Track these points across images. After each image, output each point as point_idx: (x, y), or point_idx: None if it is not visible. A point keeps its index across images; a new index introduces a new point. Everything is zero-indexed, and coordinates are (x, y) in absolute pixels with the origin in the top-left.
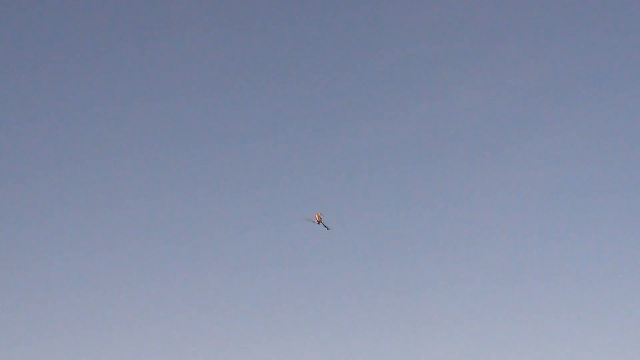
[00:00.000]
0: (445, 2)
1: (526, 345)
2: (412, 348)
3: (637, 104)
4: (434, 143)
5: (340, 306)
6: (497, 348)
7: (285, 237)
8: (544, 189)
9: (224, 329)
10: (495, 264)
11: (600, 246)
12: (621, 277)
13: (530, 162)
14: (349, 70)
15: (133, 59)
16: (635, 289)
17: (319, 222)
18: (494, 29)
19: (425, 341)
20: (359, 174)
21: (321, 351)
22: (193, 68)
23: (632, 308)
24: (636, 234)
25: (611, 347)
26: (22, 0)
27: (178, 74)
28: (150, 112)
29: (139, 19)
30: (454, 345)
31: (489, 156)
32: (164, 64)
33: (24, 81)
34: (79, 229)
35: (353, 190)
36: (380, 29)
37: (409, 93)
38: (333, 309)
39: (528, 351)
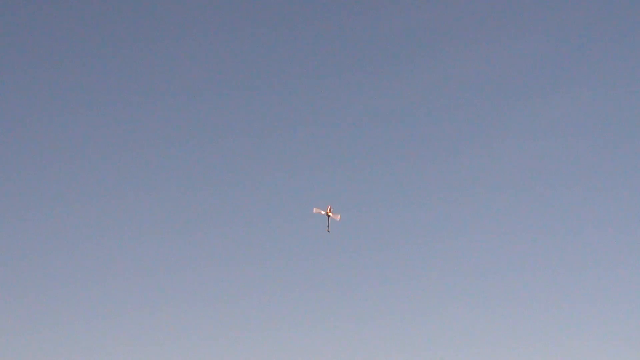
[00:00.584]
0: None
1: (528, 343)
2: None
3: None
4: (434, 108)
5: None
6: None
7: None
8: (546, 156)
9: (222, 327)
10: (492, 232)
11: (604, 215)
12: (621, 245)
13: (531, 128)
14: (349, 35)
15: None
16: (633, 252)
17: (327, 215)
18: None
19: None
20: (358, 142)
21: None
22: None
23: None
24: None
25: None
26: (23, 0)
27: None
28: (138, 98)
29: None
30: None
31: (489, 121)
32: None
33: (22, 80)
34: (77, 226)
35: (352, 159)
36: None
37: (409, 58)
38: (330, 295)
39: (531, 349)
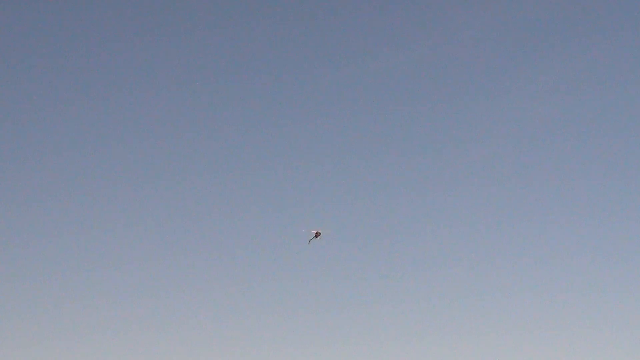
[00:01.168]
0: None
1: (528, 341)
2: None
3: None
4: (436, 75)
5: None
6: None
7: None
8: (547, 123)
9: (220, 329)
10: (495, 199)
11: (605, 180)
12: (620, 206)
13: (533, 95)
14: (350, 2)
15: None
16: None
17: (316, 235)
18: None
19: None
20: (361, 108)
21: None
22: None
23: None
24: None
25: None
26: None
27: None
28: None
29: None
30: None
31: (491, 88)
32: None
33: (23, 79)
34: (76, 222)
35: (354, 125)
36: None
37: (411, 25)
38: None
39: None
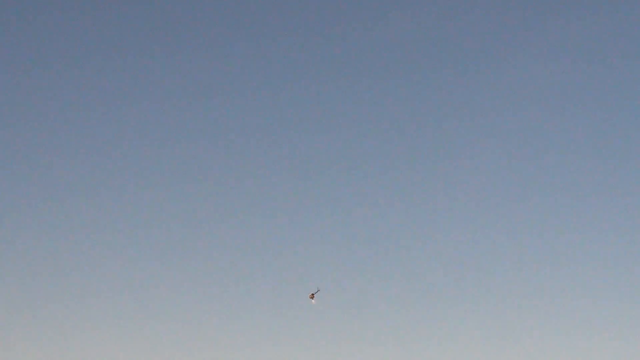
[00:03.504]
0: None
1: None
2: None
3: None
4: (440, 41)
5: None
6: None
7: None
8: (551, 86)
9: (219, 328)
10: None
11: (606, 143)
12: (619, 167)
13: (538, 59)
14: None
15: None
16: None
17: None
18: None
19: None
20: (364, 75)
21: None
22: None
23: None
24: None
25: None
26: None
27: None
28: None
29: None
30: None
31: (495, 53)
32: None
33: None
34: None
35: (357, 91)
36: None
37: None
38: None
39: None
